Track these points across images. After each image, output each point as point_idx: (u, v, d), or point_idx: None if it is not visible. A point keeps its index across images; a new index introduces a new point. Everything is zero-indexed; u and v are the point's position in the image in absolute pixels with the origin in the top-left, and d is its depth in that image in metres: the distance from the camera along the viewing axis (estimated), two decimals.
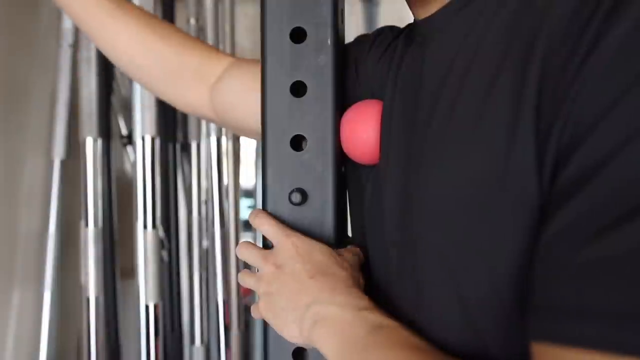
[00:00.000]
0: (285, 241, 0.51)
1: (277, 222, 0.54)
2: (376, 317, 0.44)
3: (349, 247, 0.55)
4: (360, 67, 0.59)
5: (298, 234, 0.52)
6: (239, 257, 0.55)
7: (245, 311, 1.56)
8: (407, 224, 0.46)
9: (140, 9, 0.74)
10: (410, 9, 0.52)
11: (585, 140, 0.32)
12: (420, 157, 0.45)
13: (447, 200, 0.41)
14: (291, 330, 0.49)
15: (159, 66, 0.70)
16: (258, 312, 0.53)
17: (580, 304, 0.31)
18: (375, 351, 0.42)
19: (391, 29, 0.60)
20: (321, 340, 0.46)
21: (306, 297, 0.48)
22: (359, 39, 0.63)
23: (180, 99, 0.73)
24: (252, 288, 0.54)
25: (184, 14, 1.53)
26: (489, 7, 0.43)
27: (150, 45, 0.70)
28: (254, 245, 0.55)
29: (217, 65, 0.69)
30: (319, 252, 0.50)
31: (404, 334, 0.43)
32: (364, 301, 0.46)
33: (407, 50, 0.52)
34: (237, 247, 0.56)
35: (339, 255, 0.51)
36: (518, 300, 0.37)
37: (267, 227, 0.54)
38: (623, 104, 0.31)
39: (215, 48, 0.74)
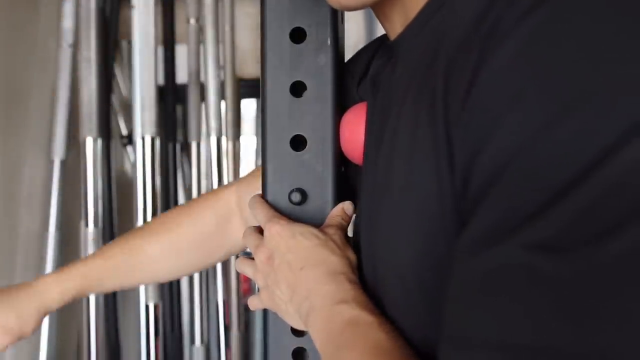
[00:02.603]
0: (270, 229, 0.52)
1: (267, 209, 0.54)
2: (352, 312, 0.44)
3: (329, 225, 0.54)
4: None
5: (284, 221, 0.52)
6: (243, 241, 0.56)
7: (245, 311, 1.56)
8: (369, 225, 0.47)
9: (144, 228, 0.78)
10: (382, 25, 0.52)
11: (477, 163, 0.33)
12: (376, 171, 0.46)
13: (393, 207, 0.43)
14: (294, 321, 0.51)
15: (194, 249, 0.73)
16: (259, 303, 0.54)
17: (460, 331, 0.32)
18: (340, 351, 0.42)
19: (366, 51, 0.61)
20: (311, 332, 0.47)
21: (302, 290, 0.48)
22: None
23: (232, 249, 0.75)
24: (250, 277, 0.55)
25: (184, 14, 1.53)
26: (435, 32, 0.43)
27: (175, 243, 0.73)
28: (257, 231, 0.55)
29: (228, 201, 0.72)
30: (304, 238, 0.50)
31: (373, 331, 0.42)
32: (347, 291, 0.46)
33: (382, 69, 0.52)
34: (244, 232, 0.57)
35: (325, 234, 0.51)
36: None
37: (258, 215, 0.55)
38: (502, 124, 0.31)
39: (215, 190, 0.77)
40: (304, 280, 0.48)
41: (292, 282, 0.49)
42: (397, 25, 0.48)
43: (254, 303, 0.55)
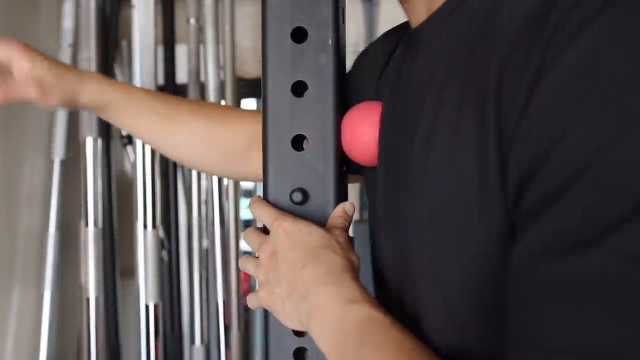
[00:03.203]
0: (276, 227, 0.51)
1: (272, 208, 0.54)
2: (364, 311, 0.44)
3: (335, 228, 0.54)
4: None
5: (291, 219, 0.52)
6: (244, 241, 0.56)
7: (245, 311, 1.56)
8: (396, 228, 0.47)
9: (185, 101, 0.77)
10: (405, 13, 0.52)
11: (542, 167, 0.32)
12: (407, 168, 0.46)
13: (428, 210, 0.42)
14: (291, 319, 0.50)
15: (220, 149, 0.73)
16: (257, 300, 0.53)
17: (536, 337, 0.32)
18: (362, 351, 0.42)
19: (387, 39, 0.60)
20: (315, 333, 0.47)
21: (301, 288, 0.48)
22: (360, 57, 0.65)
23: (252, 171, 0.74)
24: (252, 274, 0.55)
25: (184, 14, 1.53)
26: (463, 24, 0.42)
27: (208, 133, 0.72)
28: (258, 231, 0.55)
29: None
30: (310, 237, 0.50)
31: (392, 330, 0.43)
32: (354, 291, 0.46)
33: (404, 58, 0.52)
34: (244, 232, 0.57)
35: (331, 235, 0.51)
36: (496, 303, 0.37)
37: (260, 214, 0.54)
38: (574, 132, 0.31)
39: (254, 113, 0.75)
40: (305, 278, 0.48)
41: (293, 279, 0.49)
42: (420, 12, 0.48)
43: (252, 301, 0.55)
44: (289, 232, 0.50)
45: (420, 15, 0.48)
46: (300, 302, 0.48)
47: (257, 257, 0.54)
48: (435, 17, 0.46)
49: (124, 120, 0.72)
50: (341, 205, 0.54)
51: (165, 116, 0.72)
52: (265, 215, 0.54)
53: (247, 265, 0.55)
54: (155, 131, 0.73)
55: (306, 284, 0.48)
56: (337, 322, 0.45)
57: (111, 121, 0.73)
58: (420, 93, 0.45)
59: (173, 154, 0.76)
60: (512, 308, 0.34)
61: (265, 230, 0.55)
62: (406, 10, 0.51)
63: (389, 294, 0.50)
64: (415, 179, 0.44)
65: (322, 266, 0.48)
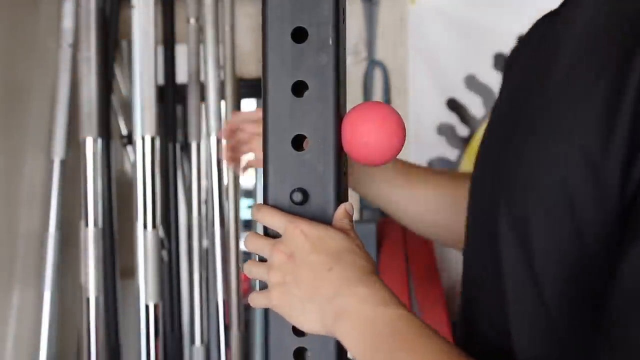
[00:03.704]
0: (293, 229, 0.51)
1: (281, 212, 0.54)
2: (396, 313, 0.44)
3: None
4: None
5: (305, 221, 0.51)
6: (247, 248, 0.55)
7: (245, 311, 1.56)
8: (492, 197, 0.47)
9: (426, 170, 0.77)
10: None
11: None
12: (519, 128, 0.46)
13: (535, 175, 0.42)
14: (312, 321, 0.49)
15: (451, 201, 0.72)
16: (266, 301, 0.52)
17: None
18: (396, 354, 0.42)
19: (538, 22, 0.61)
20: (344, 335, 0.46)
21: (326, 289, 0.47)
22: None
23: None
24: (260, 278, 0.53)
25: (184, 14, 1.53)
26: None
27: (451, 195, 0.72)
28: (262, 235, 0.55)
29: None
30: (330, 239, 0.50)
31: (423, 332, 0.43)
32: (384, 293, 0.46)
33: (542, 26, 0.52)
34: (245, 239, 0.55)
35: (350, 237, 0.51)
36: (593, 293, 0.37)
37: (271, 219, 0.53)
38: None
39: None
40: (332, 280, 0.48)
41: (316, 282, 0.48)
42: None
43: (258, 301, 0.53)
44: (308, 234, 0.50)
45: None
46: (326, 304, 0.47)
47: (263, 261, 0.53)
48: None
49: (373, 190, 0.72)
50: (342, 206, 0.54)
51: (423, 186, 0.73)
52: (276, 219, 0.53)
53: (255, 269, 0.54)
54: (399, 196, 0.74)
55: (334, 286, 0.47)
56: (368, 323, 0.45)
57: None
58: (568, 54, 0.45)
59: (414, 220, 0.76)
60: (622, 306, 0.34)
61: (268, 235, 0.55)
62: None
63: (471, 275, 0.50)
64: (526, 140, 0.44)
65: (349, 269, 0.48)
